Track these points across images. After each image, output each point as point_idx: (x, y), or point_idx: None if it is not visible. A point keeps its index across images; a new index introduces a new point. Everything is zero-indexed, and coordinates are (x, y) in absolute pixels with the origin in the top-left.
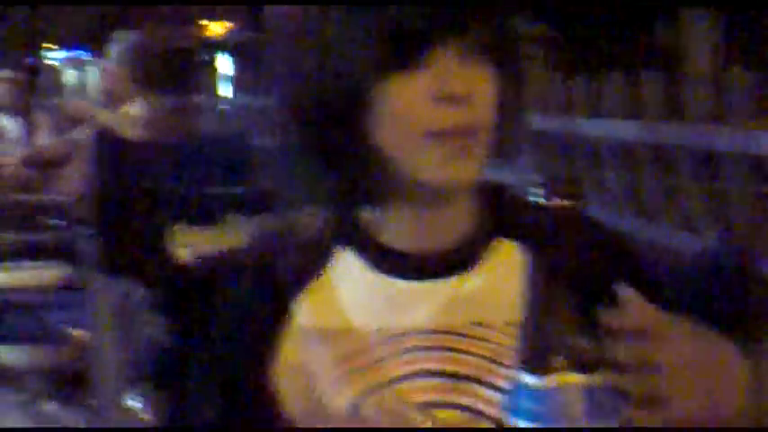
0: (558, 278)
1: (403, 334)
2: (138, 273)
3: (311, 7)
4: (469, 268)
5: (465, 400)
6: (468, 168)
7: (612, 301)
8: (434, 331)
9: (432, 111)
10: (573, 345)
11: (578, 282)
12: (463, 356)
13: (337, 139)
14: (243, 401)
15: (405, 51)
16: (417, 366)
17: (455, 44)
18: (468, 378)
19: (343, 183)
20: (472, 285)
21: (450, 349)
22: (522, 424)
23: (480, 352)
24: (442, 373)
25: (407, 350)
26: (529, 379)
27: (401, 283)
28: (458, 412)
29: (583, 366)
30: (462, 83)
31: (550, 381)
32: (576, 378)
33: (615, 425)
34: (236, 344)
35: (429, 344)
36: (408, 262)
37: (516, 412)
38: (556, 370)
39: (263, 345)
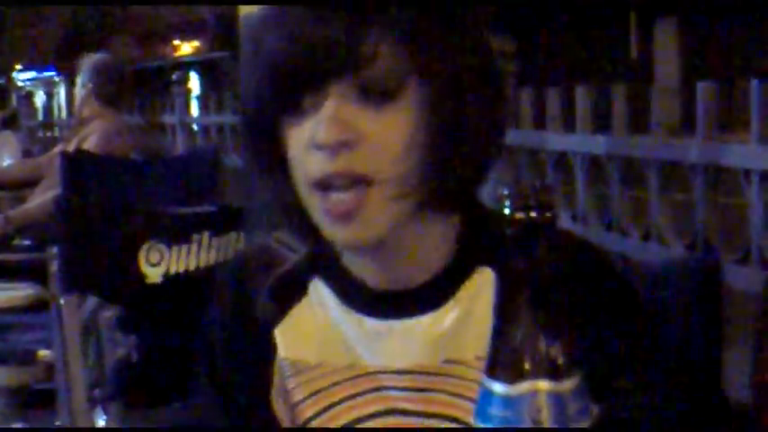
0: (527, 287)
1: (374, 372)
2: (107, 291)
3: (255, 36)
4: (443, 304)
5: None
6: (357, 230)
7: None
8: (405, 371)
9: (306, 158)
10: (541, 352)
11: (547, 290)
12: (434, 395)
13: (269, 174)
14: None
15: (286, 94)
16: (388, 405)
17: (341, 88)
18: (438, 416)
19: (296, 212)
20: (444, 323)
21: (421, 389)
22: None
23: (451, 389)
24: (412, 413)
25: (378, 388)
26: (497, 386)
27: (372, 322)
28: None
29: (551, 373)
30: (336, 130)
31: (519, 388)
32: (544, 385)
33: (583, 430)
34: (224, 364)
35: (400, 383)
36: (379, 300)
37: (485, 419)
38: (524, 377)
39: (245, 367)
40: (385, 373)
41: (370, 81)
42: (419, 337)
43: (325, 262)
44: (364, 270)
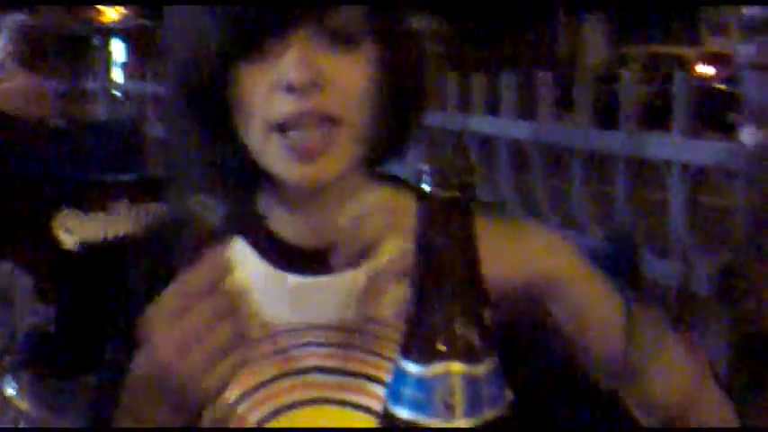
0: (441, 265)
1: (294, 329)
2: (21, 257)
3: None
4: (362, 263)
5: (353, 398)
6: (320, 167)
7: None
8: (326, 327)
9: (269, 100)
10: (457, 333)
11: (464, 270)
12: (354, 353)
13: (207, 127)
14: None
15: (248, 39)
16: (307, 363)
17: (307, 32)
18: (357, 375)
19: (226, 171)
20: (363, 281)
21: (341, 346)
22: (403, 412)
23: (371, 348)
24: (331, 370)
25: (298, 346)
26: (411, 366)
27: (293, 278)
28: (345, 409)
29: (466, 355)
30: (306, 71)
31: (433, 369)
32: (459, 367)
33: (497, 415)
34: (131, 331)
35: (320, 340)
36: (300, 256)
37: (397, 400)
38: (439, 358)
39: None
40: (306, 329)
41: (334, 27)
42: (339, 294)
43: (246, 221)
44: (288, 227)
